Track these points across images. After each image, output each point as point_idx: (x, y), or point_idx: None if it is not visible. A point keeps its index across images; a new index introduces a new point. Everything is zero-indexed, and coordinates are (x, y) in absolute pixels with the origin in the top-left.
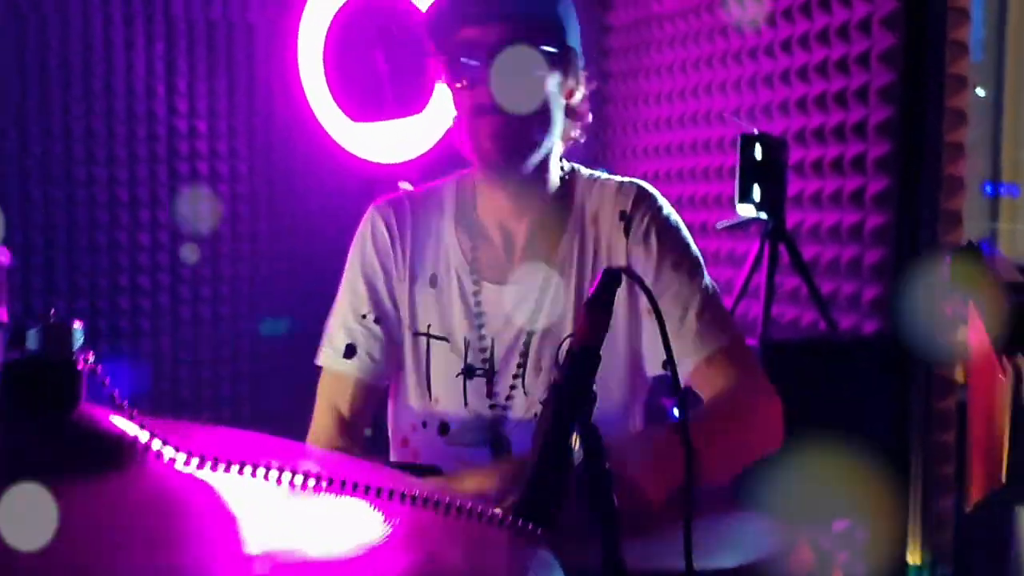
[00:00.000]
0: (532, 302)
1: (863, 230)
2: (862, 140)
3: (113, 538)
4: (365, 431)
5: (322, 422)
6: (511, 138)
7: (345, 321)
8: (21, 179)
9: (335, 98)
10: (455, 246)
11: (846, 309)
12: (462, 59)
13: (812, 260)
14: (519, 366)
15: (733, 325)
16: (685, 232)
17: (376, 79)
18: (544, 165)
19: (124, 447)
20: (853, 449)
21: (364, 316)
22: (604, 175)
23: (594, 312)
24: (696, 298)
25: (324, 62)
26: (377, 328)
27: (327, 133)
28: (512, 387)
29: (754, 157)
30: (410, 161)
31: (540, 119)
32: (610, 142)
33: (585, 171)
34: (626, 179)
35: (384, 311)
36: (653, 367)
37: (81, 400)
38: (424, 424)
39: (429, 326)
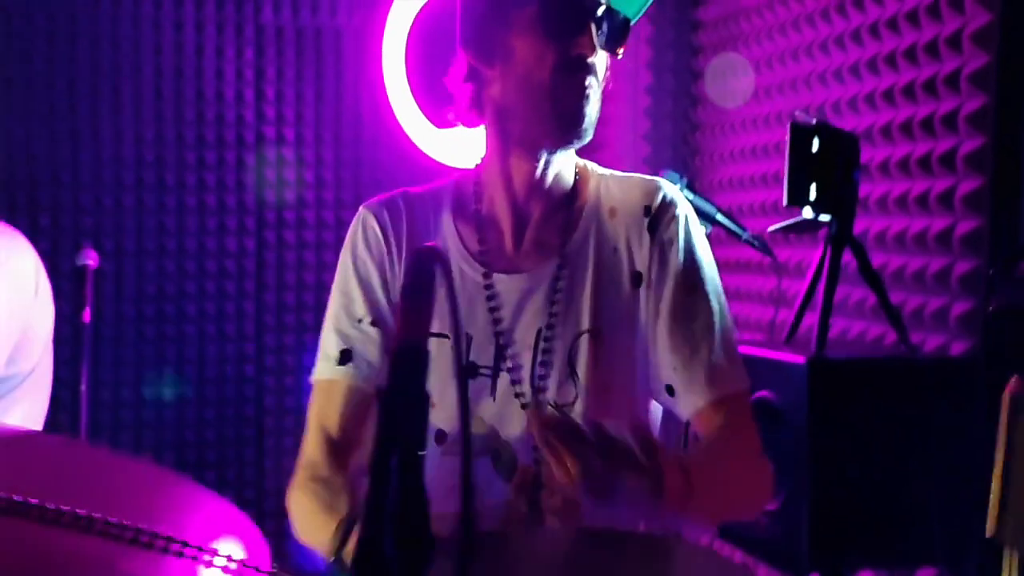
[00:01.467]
0: (544, 293)
1: (952, 237)
2: (953, 135)
3: None
4: (356, 454)
5: (310, 445)
6: (595, 106)
7: (339, 326)
8: (115, 185)
9: (419, 104)
10: (456, 240)
11: (931, 327)
12: (574, 6)
13: (896, 271)
14: (531, 362)
15: (744, 373)
16: (707, 248)
17: None
18: (572, 150)
19: None
20: (924, 485)
21: (360, 320)
22: (620, 172)
23: (411, 300)
24: (713, 332)
25: (407, 67)
26: (374, 331)
27: (410, 139)
28: (519, 390)
29: (809, 151)
30: None
31: (603, 96)
32: (700, 146)
33: (598, 167)
34: (648, 176)
35: (380, 314)
36: (656, 383)
37: None
38: None
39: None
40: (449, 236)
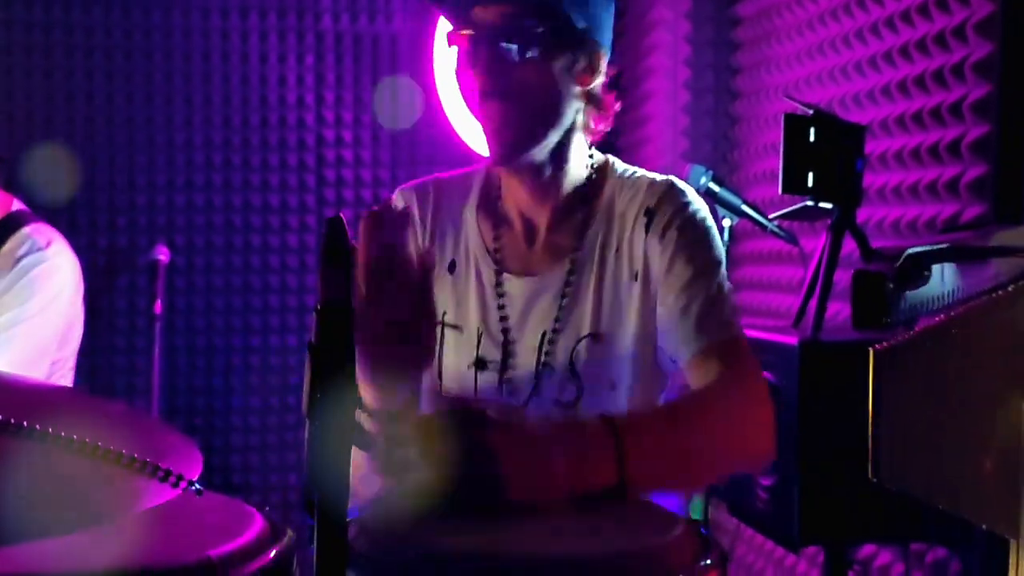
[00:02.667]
0: (551, 297)
1: (958, 222)
2: (960, 123)
3: None
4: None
5: None
6: (510, 127)
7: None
8: (186, 186)
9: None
10: (476, 233)
11: None
12: (468, 39)
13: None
14: (533, 366)
15: (736, 325)
16: (710, 230)
17: None
18: (562, 155)
19: None
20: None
21: None
22: (639, 171)
23: (326, 266)
24: (702, 293)
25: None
26: None
27: (462, 139)
28: (523, 388)
29: (806, 141)
30: None
31: (544, 107)
32: (740, 139)
33: (620, 166)
34: (660, 176)
35: None
36: (669, 362)
37: None
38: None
39: (444, 313)
40: (471, 231)
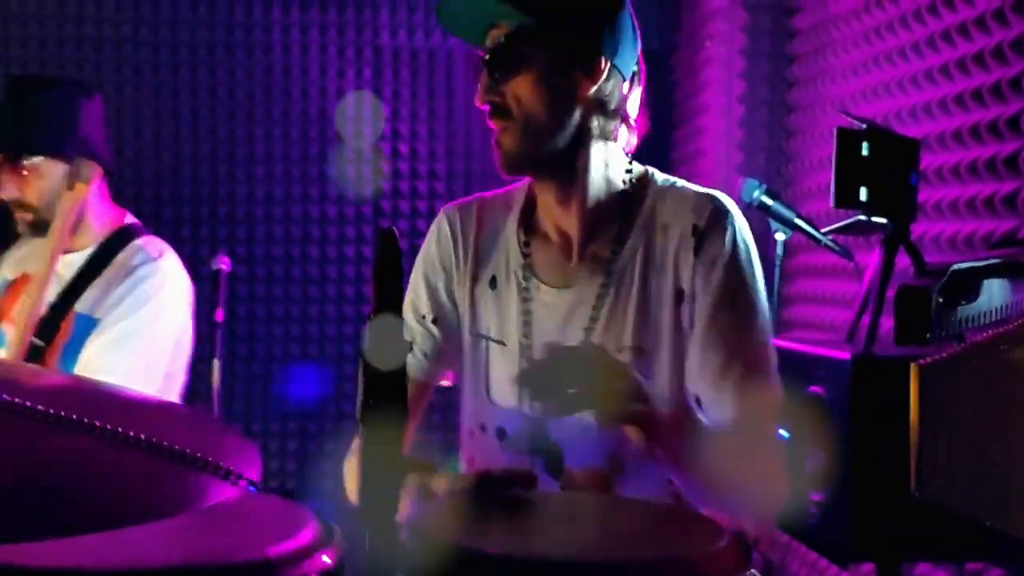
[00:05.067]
0: (589, 308)
1: (1016, 237)
2: (1017, 137)
3: None
4: (413, 430)
5: None
6: (504, 145)
7: (405, 319)
8: (247, 198)
9: None
10: (515, 247)
11: None
12: (474, 59)
13: None
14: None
15: (776, 384)
16: (755, 263)
17: None
18: (577, 163)
19: None
20: None
21: (423, 316)
22: (681, 183)
23: (378, 279)
24: (746, 347)
25: None
26: (435, 328)
27: None
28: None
29: (858, 155)
30: None
31: (538, 119)
32: (795, 152)
33: (660, 176)
34: (706, 190)
35: (443, 313)
36: (686, 392)
37: None
38: (483, 428)
39: (488, 328)
40: (511, 245)
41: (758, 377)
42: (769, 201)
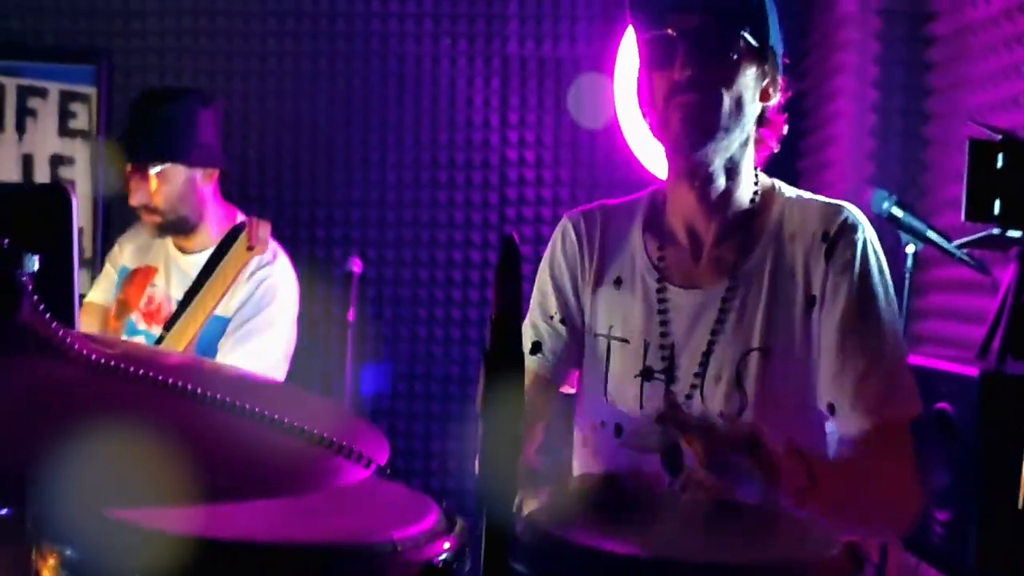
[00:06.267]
0: (716, 310)
1: None
2: None
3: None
4: (540, 428)
5: None
6: (700, 117)
7: (533, 321)
8: (379, 202)
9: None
10: (641, 249)
11: None
12: (664, 40)
13: None
14: (697, 374)
15: (912, 397)
16: (886, 274)
17: None
18: (735, 168)
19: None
20: None
21: (551, 317)
22: (808, 194)
23: (500, 281)
24: (881, 357)
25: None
26: (563, 328)
27: (640, 161)
28: (689, 395)
29: (992, 167)
30: None
31: (731, 107)
32: (931, 162)
33: (787, 189)
34: (834, 200)
35: (570, 313)
36: (819, 399)
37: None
38: (603, 424)
39: (611, 327)
40: (636, 247)
41: (899, 390)
42: (899, 213)
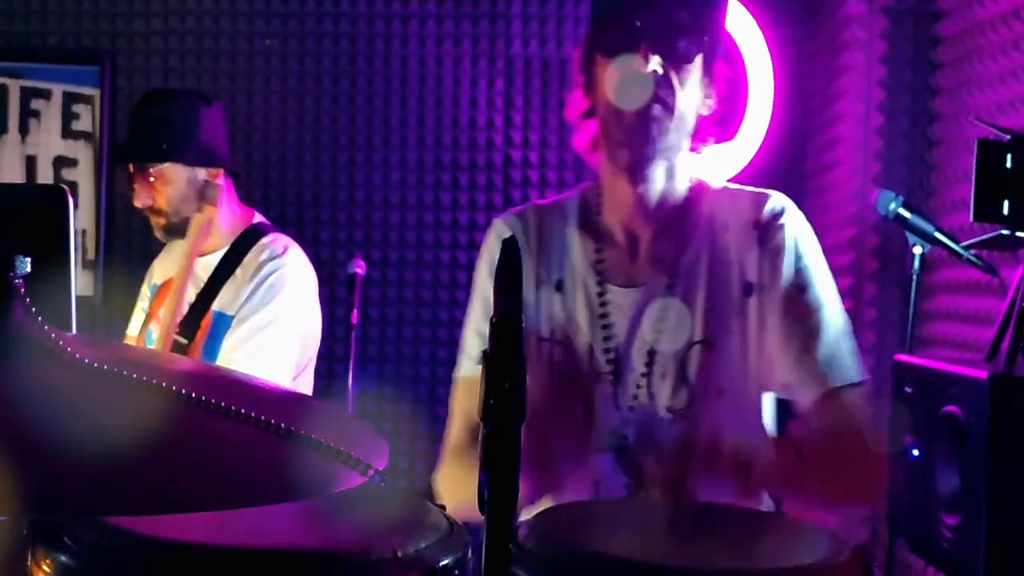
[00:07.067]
0: (658, 308)
1: None
2: None
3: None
4: None
5: (455, 432)
6: (657, 113)
7: (479, 329)
8: (383, 203)
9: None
10: (580, 251)
11: None
12: (629, 29)
13: None
14: (644, 374)
15: (856, 364)
16: (819, 250)
17: None
18: (672, 168)
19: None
20: None
21: None
22: (736, 185)
23: (500, 283)
24: (823, 330)
25: None
26: None
27: None
28: (635, 395)
29: (1001, 167)
30: None
31: (683, 108)
32: (938, 163)
33: (715, 180)
34: (761, 189)
35: None
36: (774, 384)
37: (15, 308)
38: None
39: (552, 331)
40: (574, 248)
41: (843, 359)
42: (906, 213)
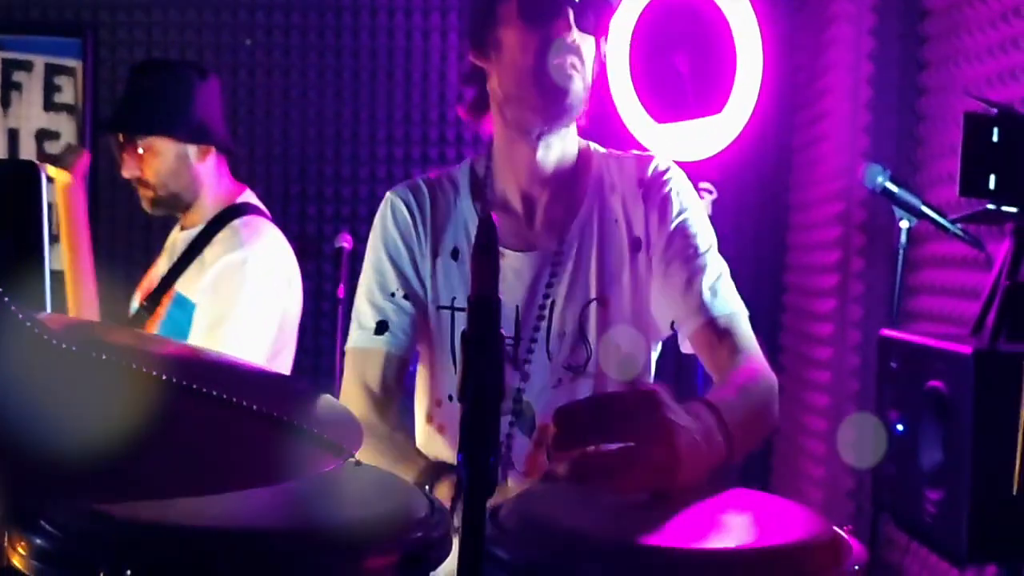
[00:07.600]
0: (551, 268)
1: None
2: None
3: None
4: (395, 408)
5: (352, 400)
6: (575, 81)
7: (373, 300)
8: (369, 178)
9: (640, 99)
10: (473, 218)
11: None
12: (546, 7)
13: None
14: (541, 332)
15: (735, 297)
16: (701, 207)
17: (678, 80)
18: (568, 135)
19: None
20: None
21: (393, 294)
22: (618, 151)
23: (476, 261)
24: (705, 267)
25: (630, 65)
26: (407, 304)
27: (632, 134)
28: (532, 353)
29: (988, 141)
30: (708, 159)
31: (588, 79)
32: (926, 137)
33: (600, 148)
34: (642, 152)
35: (411, 287)
36: (663, 327)
37: None
38: (450, 397)
39: (454, 299)
40: (469, 217)
41: (723, 291)
42: (893, 188)
